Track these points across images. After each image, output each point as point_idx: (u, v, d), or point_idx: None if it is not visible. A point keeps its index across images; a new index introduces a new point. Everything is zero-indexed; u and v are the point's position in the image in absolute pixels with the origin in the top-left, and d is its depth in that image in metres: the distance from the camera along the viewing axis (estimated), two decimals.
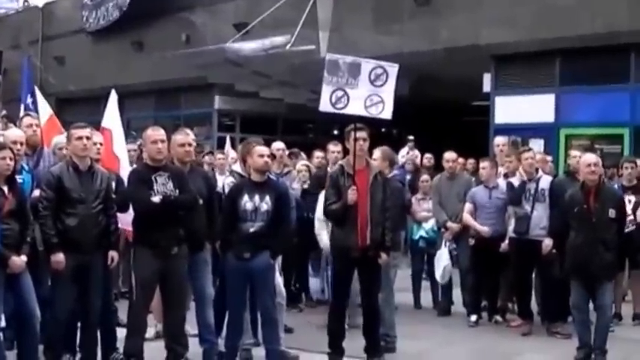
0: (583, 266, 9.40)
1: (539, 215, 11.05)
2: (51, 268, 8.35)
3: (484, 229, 11.54)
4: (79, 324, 8.69)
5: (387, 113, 9.22)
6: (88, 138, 8.52)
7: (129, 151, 11.21)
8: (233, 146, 16.08)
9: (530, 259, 11.17)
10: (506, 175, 11.93)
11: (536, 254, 11.00)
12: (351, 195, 8.92)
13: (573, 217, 9.56)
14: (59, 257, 8.24)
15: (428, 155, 16.99)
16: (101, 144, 9.39)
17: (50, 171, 8.62)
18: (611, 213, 9.48)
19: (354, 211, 8.96)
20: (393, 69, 9.30)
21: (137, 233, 8.75)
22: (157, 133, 8.81)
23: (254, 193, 8.81)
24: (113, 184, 8.90)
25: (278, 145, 12.22)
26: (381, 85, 9.23)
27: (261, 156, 8.91)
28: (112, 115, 10.52)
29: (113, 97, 10.62)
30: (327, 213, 9.36)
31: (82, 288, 8.45)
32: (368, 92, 9.18)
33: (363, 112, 9.17)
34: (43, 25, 32.16)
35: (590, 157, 9.78)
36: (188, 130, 9.55)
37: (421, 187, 12.93)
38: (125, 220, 9.11)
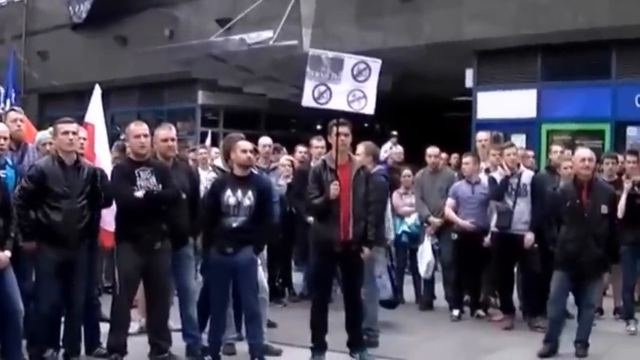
0: (573, 261, 9.48)
1: (522, 210, 11.11)
2: (35, 262, 8.39)
3: (467, 224, 11.59)
4: (62, 319, 8.68)
5: (369, 108, 9.21)
6: (74, 133, 8.53)
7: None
8: (216, 141, 16.09)
9: (513, 254, 11.23)
10: (487, 170, 11.97)
11: (518, 249, 11.08)
12: (334, 190, 8.92)
13: (565, 212, 9.64)
14: (31, 245, 8.28)
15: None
16: (85, 139, 9.40)
17: (35, 164, 8.62)
18: (603, 209, 9.57)
19: (336, 206, 8.95)
20: (375, 64, 9.29)
21: (120, 228, 8.74)
22: (139, 127, 8.82)
23: (237, 188, 8.83)
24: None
25: (265, 140, 12.22)
26: (364, 81, 9.21)
27: (244, 151, 8.94)
28: (95, 110, 10.49)
29: (97, 92, 10.58)
30: (309, 207, 9.38)
31: (66, 283, 8.45)
32: (351, 87, 9.17)
33: (345, 107, 9.16)
34: (27, 20, 31.99)
35: (585, 152, 9.86)
36: (171, 125, 9.56)
37: (403, 182, 12.95)
38: (106, 219, 9.13)
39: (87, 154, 9.50)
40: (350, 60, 9.25)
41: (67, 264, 8.40)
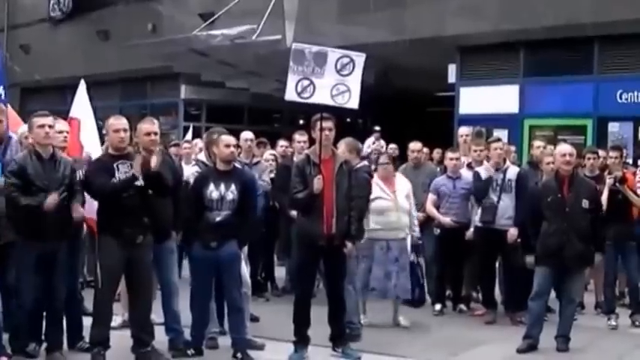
0: (555, 255, 9.53)
1: (506, 205, 11.16)
2: (16, 257, 8.36)
3: (447, 220, 11.62)
4: (44, 313, 8.67)
5: (353, 102, 9.15)
6: (50, 126, 8.50)
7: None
8: (198, 136, 16.06)
9: (495, 249, 11.27)
10: (469, 165, 12.02)
11: (502, 243, 11.11)
12: (317, 183, 8.88)
13: (547, 207, 9.68)
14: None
15: (392, 146, 17.01)
16: (67, 132, 9.39)
17: (14, 159, 8.58)
18: (585, 203, 9.62)
19: (319, 200, 8.93)
20: (359, 58, 9.23)
21: (102, 222, 8.70)
22: (119, 122, 8.78)
23: (220, 182, 8.87)
24: (81, 172, 8.83)
25: (247, 135, 12.22)
26: (348, 75, 9.14)
27: (227, 146, 8.97)
28: (80, 105, 10.48)
29: (82, 87, 10.59)
30: (293, 201, 9.35)
31: (47, 276, 8.44)
32: (334, 81, 9.11)
33: (329, 102, 9.11)
34: (9, 14, 31.88)
35: (566, 148, 9.92)
36: (154, 119, 9.52)
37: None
38: (90, 208, 9.10)
39: (71, 149, 9.50)
40: (333, 54, 9.19)
41: (48, 257, 8.38)
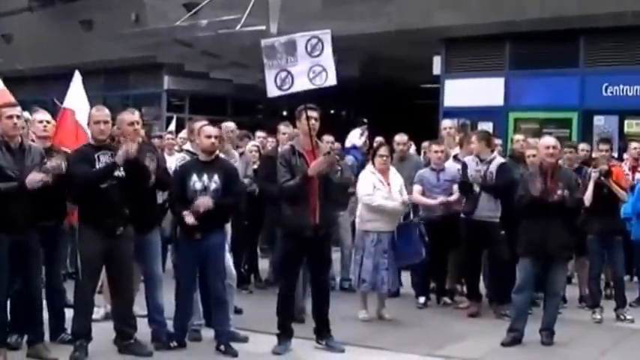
0: (538, 246, 9.55)
1: (488, 196, 11.12)
2: None
3: (435, 202, 11.58)
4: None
5: (331, 80, 9.15)
6: (18, 117, 8.43)
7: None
8: (182, 127, 15.98)
9: (479, 240, 11.22)
10: (455, 157, 11.98)
11: (485, 235, 11.08)
12: (316, 165, 8.90)
13: (530, 198, 9.64)
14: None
15: (378, 139, 16.92)
16: (48, 122, 9.38)
17: None
18: (566, 194, 9.56)
19: (306, 191, 8.93)
20: (326, 35, 9.26)
21: (82, 213, 8.66)
22: (100, 113, 8.75)
23: (202, 173, 8.88)
24: (64, 164, 8.70)
25: (229, 125, 12.15)
26: (319, 55, 9.16)
27: (209, 137, 8.96)
28: (75, 96, 10.51)
29: (77, 78, 10.67)
30: (282, 191, 9.22)
31: (21, 267, 8.36)
32: (309, 64, 9.12)
33: (309, 86, 9.12)
34: None
35: (549, 140, 9.97)
36: (133, 110, 9.50)
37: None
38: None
39: (66, 140, 9.56)
40: (302, 39, 9.20)
41: (20, 247, 8.26)
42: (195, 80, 25.75)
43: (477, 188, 11.16)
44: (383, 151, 11.07)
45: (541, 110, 18.65)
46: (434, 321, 11.02)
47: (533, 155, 10.95)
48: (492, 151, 11.53)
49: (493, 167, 11.20)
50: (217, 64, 23.75)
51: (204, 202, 8.67)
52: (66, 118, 9.99)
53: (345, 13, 19.47)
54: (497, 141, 13.28)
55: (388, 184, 10.80)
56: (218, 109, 25.51)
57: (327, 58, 9.17)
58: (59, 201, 8.93)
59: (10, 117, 8.34)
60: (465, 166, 11.40)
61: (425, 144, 15.24)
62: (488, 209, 11.12)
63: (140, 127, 9.16)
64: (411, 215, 11.01)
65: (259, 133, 13.63)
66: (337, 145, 12.62)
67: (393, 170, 11.11)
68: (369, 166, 11.03)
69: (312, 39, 9.20)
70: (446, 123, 13.62)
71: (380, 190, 10.72)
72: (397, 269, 11.30)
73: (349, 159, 12.83)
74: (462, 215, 11.34)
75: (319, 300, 9.31)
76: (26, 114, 9.54)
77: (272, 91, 9.14)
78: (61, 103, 10.68)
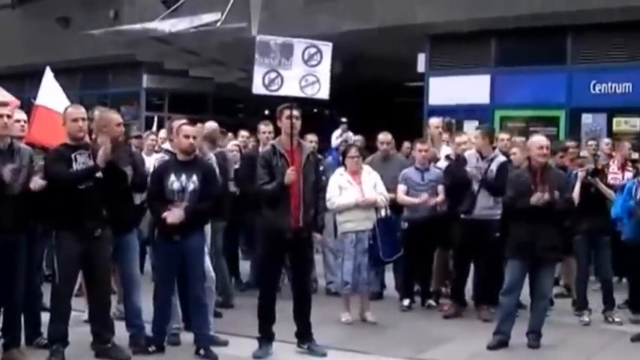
0: (527, 247, 9.45)
1: (486, 195, 11.00)
2: None
3: (418, 200, 11.42)
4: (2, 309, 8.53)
5: (323, 93, 9.14)
6: (9, 116, 8.35)
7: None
8: (162, 126, 15.84)
9: (473, 240, 11.06)
10: (447, 157, 11.95)
11: (481, 235, 10.95)
12: (291, 175, 8.82)
13: (519, 198, 9.55)
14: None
15: (357, 137, 16.79)
16: (25, 121, 9.27)
17: None
18: (557, 195, 9.48)
19: (287, 192, 8.86)
20: (326, 47, 9.22)
21: (59, 214, 8.48)
22: (77, 111, 8.69)
23: (181, 173, 8.79)
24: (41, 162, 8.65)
25: (211, 125, 11.93)
26: (316, 65, 9.13)
27: (187, 137, 8.87)
28: (49, 92, 10.40)
29: (48, 74, 10.56)
30: (260, 193, 9.18)
31: (5, 270, 8.25)
32: (303, 72, 9.08)
33: (298, 93, 9.07)
34: None
35: (541, 140, 9.89)
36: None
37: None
38: None
39: (32, 137, 9.43)
40: (300, 45, 9.16)
41: (6, 250, 8.19)
42: (175, 78, 25.65)
43: (475, 186, 11.02)
44: (353, 152, 11.03)
45: (528, 108, 18.64)
46: (418, 323, 10.93)
47: (514, 153, 11.09)
48: (494, 148, 11.42)
49: (494, 166, 11.07)
50: (197, 61, 23.65)
51: (175, 215, 8.57)
52: (39, 115, 9.85)
53: (328, 10, 19.40)
54: (504, 135, 13.00)
55: (359, 184, 10.72)
56: (198, 108, 25.34)
57: (324, 71, 9.17)
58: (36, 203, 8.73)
59: (1, 116, 8.24)
60: (464, 160, 11.26)
61: (407, 144, 15.17)
62: (487, 207, 11.00)
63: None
64: (387, 211, 10.88)
65: (242, 133, 13.60)
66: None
67: (367, 169, 11.06)
68: (339, 169, 11.07)
69: (311, 47, 9.19)
70: (433, 121, 13.45)
71: (347, 190, 10.68)
72: (381, 270, 11.29)
73: (330, 160, 12.74)
74: (462, 216, 11.15)
75: (301, 302, 9.22)
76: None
77: (257, 88, 9.05)
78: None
